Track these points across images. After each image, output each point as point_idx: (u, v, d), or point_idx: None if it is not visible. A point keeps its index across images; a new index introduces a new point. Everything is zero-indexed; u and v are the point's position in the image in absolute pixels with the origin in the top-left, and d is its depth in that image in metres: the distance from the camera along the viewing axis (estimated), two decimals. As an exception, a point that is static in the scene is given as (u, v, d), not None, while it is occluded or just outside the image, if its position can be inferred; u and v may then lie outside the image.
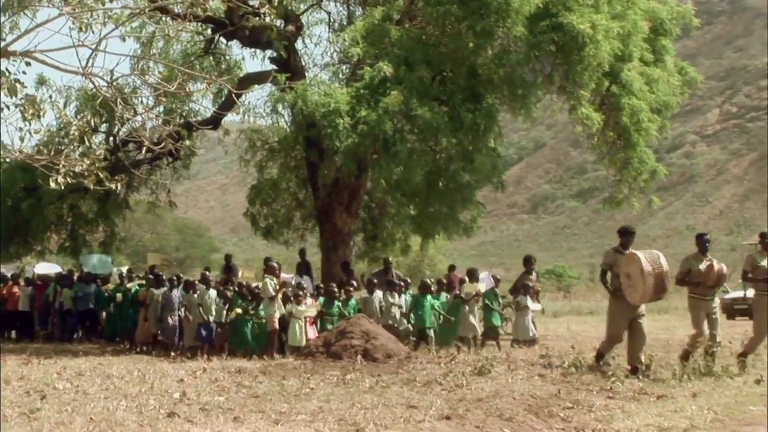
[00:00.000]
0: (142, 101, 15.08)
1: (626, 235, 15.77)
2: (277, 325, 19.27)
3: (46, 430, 9.19)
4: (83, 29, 9.40)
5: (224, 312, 20.22)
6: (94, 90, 12.54)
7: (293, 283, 21.93)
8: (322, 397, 11.37)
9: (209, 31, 25.47)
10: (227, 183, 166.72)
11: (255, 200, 26.66)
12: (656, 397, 12.83)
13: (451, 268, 25.21)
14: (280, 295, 19.57)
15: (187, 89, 14.24)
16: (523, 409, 10.79)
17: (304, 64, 25.26)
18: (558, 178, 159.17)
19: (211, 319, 20.16)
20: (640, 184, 24.61)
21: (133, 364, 16.37)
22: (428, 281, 22.09)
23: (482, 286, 22.22)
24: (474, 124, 20.75)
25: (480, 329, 21.26)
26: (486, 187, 24.74)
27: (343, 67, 24.52)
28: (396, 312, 20.69)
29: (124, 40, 10.40)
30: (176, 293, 21.17)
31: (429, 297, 21.02)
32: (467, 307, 21.00)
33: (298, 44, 24.91)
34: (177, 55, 26.00)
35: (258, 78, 25.07)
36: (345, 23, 25.63)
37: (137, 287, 23.29)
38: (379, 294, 20.86)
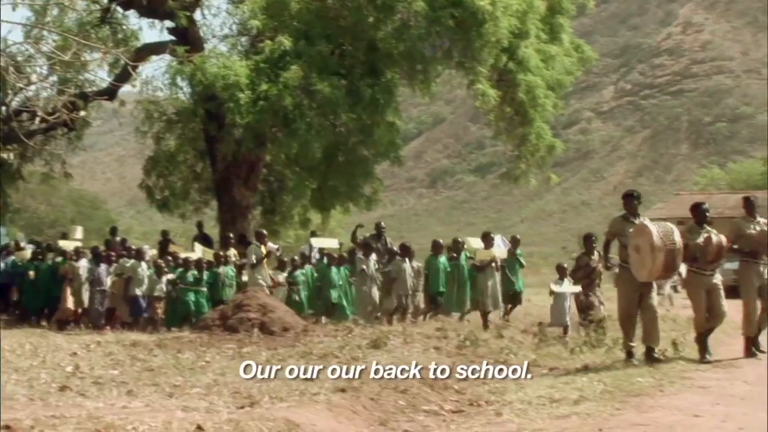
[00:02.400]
0: (36, 70, 14.80)
1: (630, 199, 14.32)
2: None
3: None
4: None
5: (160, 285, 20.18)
6: (-15, 58, 12.27)
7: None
8: (218, 371, 11.36)
9: (106, 0, 25.03)
10: (125, 155, 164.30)
11: (151, 172, 26.31)
12: (548, 369, 13.09)
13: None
14: (266, 263, 19.78)
15: (83, 59, 14.05)
16: (418, 382, 10.89)
17: (202, 35, 24.95)
18: (457, 153, 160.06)
19: (139, 292, 20.07)
20: (538, 159, 24.95)
21: (25, 338, 16.09)
22: (440, 241, 21.54)
23: (498, 251, 21.26)
24: (373, 99, 20.83)
25: (500, 299, 20.57)
26: (385, 161, 24.84)
27: (243, 39, 24.33)
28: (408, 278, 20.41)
29: (14, 8, 10.20)
30: (104, 267, 20.88)
31: (442, 258, 20.66)
32: (485, 276, 20.26)
33: (197, 15, 24.61)
34: (72, 23, 25.46)
35: (156, 49, 24.70)
36: (244, -5, 25.42)
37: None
38: (374, 258, 20.88)
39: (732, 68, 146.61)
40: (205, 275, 20.14)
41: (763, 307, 14.34)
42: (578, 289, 18.67)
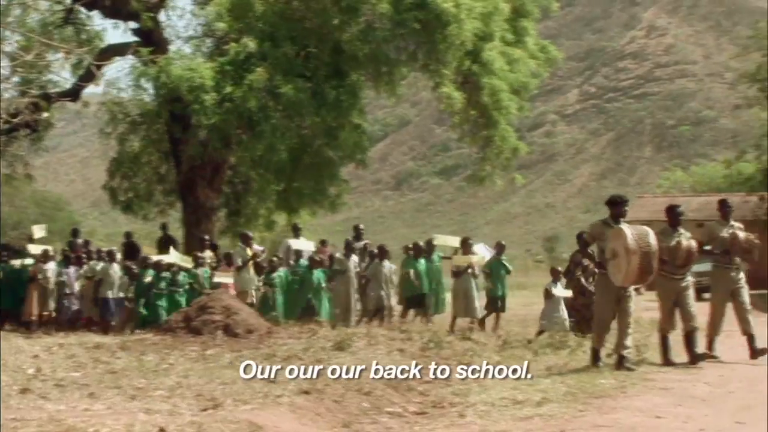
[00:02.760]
0: (-3, 70, 14.68)
1: (616, 205, 13.74)
2: (253, 299, 19.79)
3: None
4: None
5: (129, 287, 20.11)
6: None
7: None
8: (181, 373, 11.30)
9: (69, 0, 24.88)
10: (88, 156, 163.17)
11: (115, 174, 26.16)
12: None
13: (323, 243, 25.16)
14: (251, 266, 19.84)
15: (46, 59, 13.96)
16: (382, 384, 10.91)
17: (167, 36, 24.87)
18: (422, 155, 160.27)
19: (110, 295, 19.97)
20: (503, 161, 25.05)
21: (-14, 340, 15.97)
22: (420, 243, 21.38)
23: (476, 258, 20.72)
24: (338, 101, 20.85)
25: (480, 307, 20.24)
26: (351, 163, 24.86)
27: (208, 41, 24.26)
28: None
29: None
30: (73, 270, 20.72)
31: (422, 260, 20.53)
32: (460, 282, 19.98)
33: (161, 16, 24.53)
34: (35, 23, 25.28)
35: (120, 50, 24.58)
36: (209, -4, 25.36)
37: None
38: (354, 259, 20.92)
39: (695, 72, 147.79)
40: (182, 276, 20.04)
41: (736, 311, 14.43)
42: (569, 293, 18.34)
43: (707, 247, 14.48)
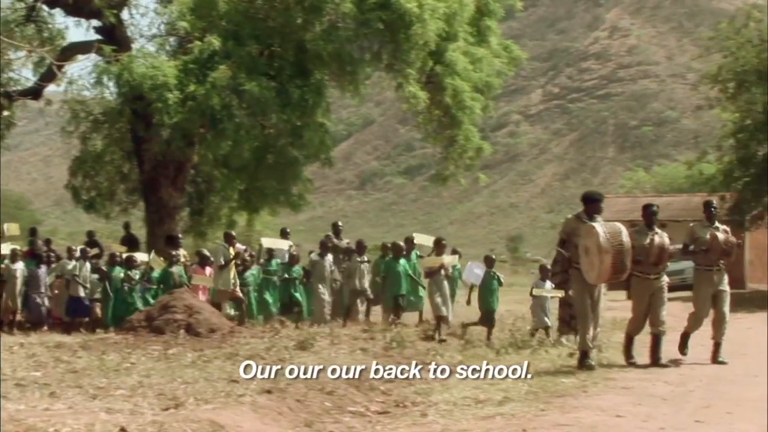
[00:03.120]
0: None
1: (590, 201, 13.71)
2: (239, 293, 19.73)
3: None
4: None
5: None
6: None
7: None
8: (143, 372, 11.27)
9: (31, -2, 24.70)
10: (51, 155, 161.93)
11: (77, 172, 25.98)
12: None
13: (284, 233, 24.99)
14: (233, 266, 19.75)
15: (7, 57, 13.85)
16: (344, 383, 10.93)
17: (130, 35, 24.70)
18: (386, 154, 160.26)
19: (82, 294, 19.83)
20: (466, 161, 25.11)
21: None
22: (400, 243, 20.79)
23: (448, 259, 19.66)
24: (302, 100, 20.85)
25: (450, 310, 18.77)
26: (315, 162, 24.85)
27: (171, 39, 24.15)
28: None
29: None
30: (43, 269, 20.56)
31: (402, 261, 20.03)
32: (431, 284, 18.79)
33: (124, 14, 24.37)
34: (-4, 21, 25.11)
35: (82, 48, 24.40)
36: (172, -6, 25.24)
37: None
38: (329, 258, 20.77)
39: (657, 73, 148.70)
40: (156, 274, 19.96)
41: (714, 316, 14.27)
42: (560, 293, 17.19)
43: (691, 248, 14.23)
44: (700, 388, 11.47)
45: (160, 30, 24.96)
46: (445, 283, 18.79)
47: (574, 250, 13.41)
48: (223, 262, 19.71)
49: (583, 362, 13.19)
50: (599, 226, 12.97)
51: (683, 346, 14.33)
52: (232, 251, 20.09)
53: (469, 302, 19.23)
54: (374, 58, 21.91)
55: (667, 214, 40.10)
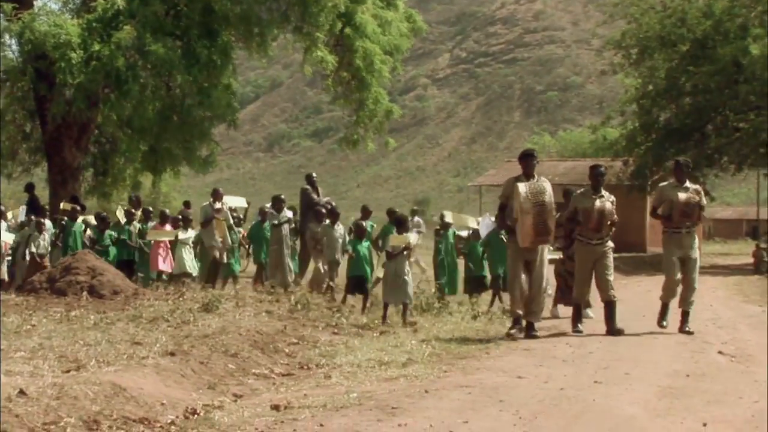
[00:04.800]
0: None
1: (524, 159, 13.03)
2: (216, 254, 19.45)
3: None
4: None
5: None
6: None
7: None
8: (44, 334, 11.11)
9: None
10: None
11: (-22, 132, 25.45)
12: (379, 332, 13.31)
13: (186, 204, 24.85)
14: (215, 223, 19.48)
15: None
16: (248, 345, 10.96)
17: (32, -8, 24.20)
18: (294, 117, 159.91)
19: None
20: (375, 124, 25.14)
21: None
22: (363, 224, 17.74)
23: (413, 238, 16.46)
24: (209, 61, 20.63)
25: (410, 293, 15.34)
26: (222, 124, 24.67)
27: (74, -3, 23.71)
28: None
29: None
30: None
31: (365, 243, 17.22)
32: (393, 264, 15.29)
33: (26, -29, 23.83)
34: None
35: (-18, 5, 23.85)
36: (76, -48, 24.72)
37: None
38: (288, 214, 19.91)
39: (563, 38, 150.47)
40: (113, 232, 19.71)
41: (685, 280, 13.43)
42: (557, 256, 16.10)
43: (658, 211, 13.63)
44: (599, 350, 11.71)
45: (63, -13, 24.51)
46: (407, 266, 15.43)
47: (511, 212, 12.84)
48: (203, 221, 19.64)
49: (510, 331, 12.81)
50: (523, 185, 12.50)
51: (662, 318, 13.56)
52: (218, 206, 19.71)
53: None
54: (282, 20, 21.77)
55: (571, 179, 40.73)
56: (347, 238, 18.25)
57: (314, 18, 21.02)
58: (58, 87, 20.49)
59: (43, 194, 25.06)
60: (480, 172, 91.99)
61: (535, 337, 12.67)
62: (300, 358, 10.91)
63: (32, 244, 19.19)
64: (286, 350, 11.23)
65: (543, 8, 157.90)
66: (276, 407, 7.90)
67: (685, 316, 13.38)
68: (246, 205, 22.86)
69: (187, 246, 19.68)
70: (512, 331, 12.77)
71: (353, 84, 24.48)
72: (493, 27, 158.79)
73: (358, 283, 16.50)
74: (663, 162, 36.72)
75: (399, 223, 16.32)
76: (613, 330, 12.95)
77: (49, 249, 19.35)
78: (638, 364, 10.48)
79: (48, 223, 19.53)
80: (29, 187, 24.31)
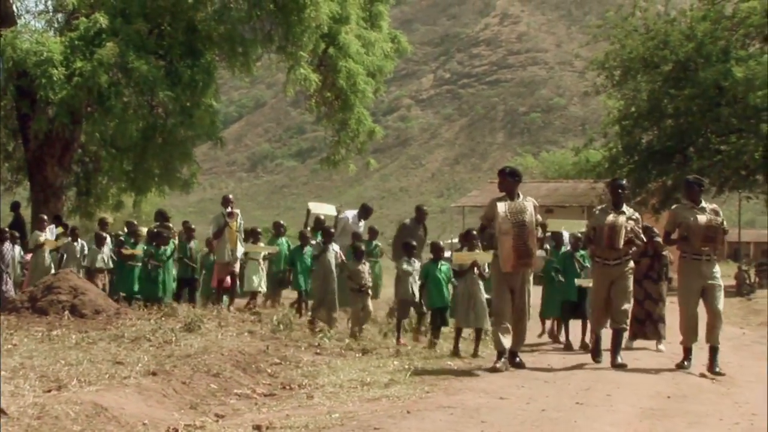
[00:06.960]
0: None
1: (505, 177, 12.00)
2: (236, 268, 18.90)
3: None
4: None
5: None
6: None
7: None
8: (25, 354, 11.04)
9: None
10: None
11: (-41, 151, 25.38)
12: (361, 353, 13.29)
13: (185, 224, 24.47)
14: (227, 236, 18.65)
15: None
16: (231, 365, 10.91)
17: (15, 11, 24.16)
18: (277, 137, 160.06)
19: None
20: (358, 145, 25.15)
21: None
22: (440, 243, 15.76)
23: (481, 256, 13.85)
24: (192, 80, 20.60)
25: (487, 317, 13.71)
26: (206, 144, 24.65)
27: (58, 16, 23.71)
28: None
29: None
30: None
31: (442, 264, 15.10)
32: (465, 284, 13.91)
33: (9, -11, 23.82)
34: None
35: (-37, 24, 23.82)
36: (59, -30, 24.74)
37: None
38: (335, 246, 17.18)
39: (546, 60, 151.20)
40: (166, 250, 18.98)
41: (709, 312, 12.04)
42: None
43: (672, 236, 12.35)
44: (581, 371, 11.73)
45: (47, 7, 24.51)
46: (480, 284, 13.94)
47: (492, 236, 11.81)
48: (214, 230, 18.97)
49: (495, 366, 11.61)
50: (502, 204, 11.53)
51: (686, 360, 12.22)
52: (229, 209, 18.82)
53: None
54: (266, 40, 21.79)
55: (554, 200, 40.85)
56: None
57: (298, 38, 21.04)
58: (40, 104, 20.48)
59: (25, 213, 24.97)
60: (463, 193, 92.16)
61: (522, 366, 11.93)
62: (282, 379, 10.88)
63: (86, 259, 19.19)
64: (269, 370, 11.20)
65: (526, 30, 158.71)
66: (258, 427, 7.88)
67: (713, 353, 11.96)
68: (336, 213, 20.69)
69: (256, 262, 19.49)
70: (497, 365, 11.57)
71: (336, 104, 24.51)
72: (477, 48, 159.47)
73: (441, 315, 14.84)
74: (645, 184, 36.92)
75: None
76: (615, 363, 12.04)
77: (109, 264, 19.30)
78: (620, 386, 10.51)
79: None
80: (14, 206, 24.21)
